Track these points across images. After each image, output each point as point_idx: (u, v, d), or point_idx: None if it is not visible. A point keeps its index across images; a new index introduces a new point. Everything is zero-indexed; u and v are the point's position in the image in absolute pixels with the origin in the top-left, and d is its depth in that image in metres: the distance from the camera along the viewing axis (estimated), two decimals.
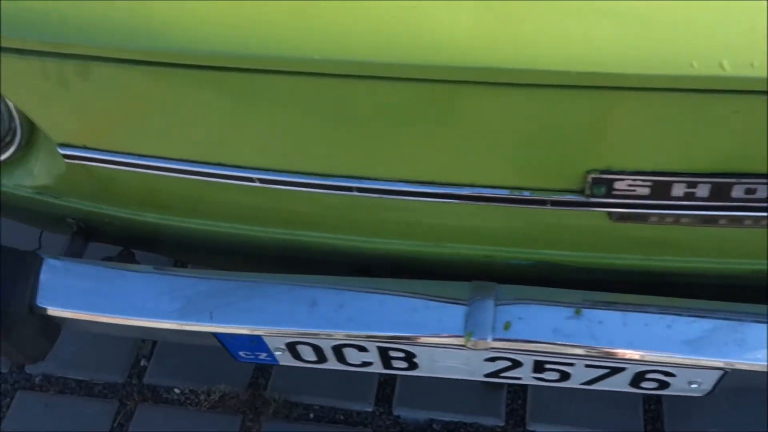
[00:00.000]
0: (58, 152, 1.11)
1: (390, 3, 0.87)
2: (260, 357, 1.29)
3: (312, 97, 0.95)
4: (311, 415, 1.79)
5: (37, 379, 1.90)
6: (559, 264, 1.15)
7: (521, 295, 1.12)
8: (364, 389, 1.83)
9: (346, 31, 0.88)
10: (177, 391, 1.84)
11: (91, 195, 1.23)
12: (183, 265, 1.76)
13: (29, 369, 1.91)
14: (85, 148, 1.09)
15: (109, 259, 1.42)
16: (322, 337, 1.17)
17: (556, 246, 1.13)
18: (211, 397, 1.81)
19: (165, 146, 1.06)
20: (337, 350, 1.21)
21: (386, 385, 1.84)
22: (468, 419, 1.76)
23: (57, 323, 1.27)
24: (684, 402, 1.72)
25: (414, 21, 0.86)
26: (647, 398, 1.76)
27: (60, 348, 1.88)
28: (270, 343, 1.21)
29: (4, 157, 1.23)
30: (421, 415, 1.78)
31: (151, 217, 1.23)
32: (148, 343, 1.93)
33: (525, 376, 1.22)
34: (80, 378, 1.89)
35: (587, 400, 1.75)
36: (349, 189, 1.03)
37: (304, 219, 1.15)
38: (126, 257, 1.45)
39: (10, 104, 1.13)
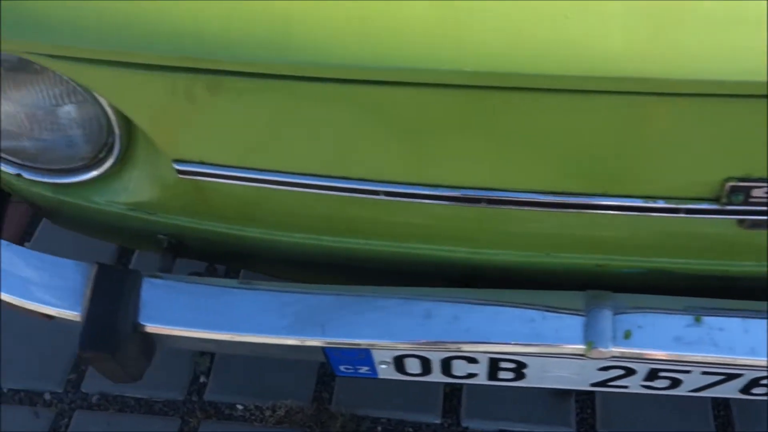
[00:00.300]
0: (173, 167, 1.09)
1: (540, 14, 0.87)
2: (361, 371, 1.28)
3: (450, 109, 0.94)
4: (379, 429, 1.78)
5: (94, 398, 1.87)
6: (671, 271, 1.15)
7: (638, 303, 1.11)
8: (430, 401, 1.82)
9: (497, 43, 0.87)
10: (240, 407, 1.82)
11: (192, 211, 1.21)
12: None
13: (85, 388, 1.89)
14: (201, 163, 1.07)
15: (196, 274, 1.40)
16: (435, 349, 1.15)
17: (671, 254, 1.13)
18: (277, 413, 1.79)
19: (288, 160, 1.04)
20: (446, 362, 1.20)
21: (452, 396, 1.83)
22: (538, 429, 1.75)
23: (154, 341, 1.25)
24: (754, 406, 1.73)
25: (566, 32, 0.86)
26: (717, 403, 1.76)
27: None
28: (377, 356, 1.20)
29: (97, 172, 1.21)
30: (491, 426, 1.77)
31: (253, 232, 1.22)
32: (205, 359, 1.91)
33: (633, 384, 1.22)
34: (138, 396, 1.86)
35: (656, 406, 1.75)
36: (479, 200, 1.02)
37: (420, 231, 1.14)
38: (212, 273, 1.43)
39: (112, 119, 1.12)
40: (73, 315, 1.20)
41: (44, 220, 2.11)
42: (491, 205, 1.02)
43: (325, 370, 1.87)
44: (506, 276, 1.21)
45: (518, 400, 1.78)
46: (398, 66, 0.89)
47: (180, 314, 1.17)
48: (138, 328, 1.18)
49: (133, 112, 1.04)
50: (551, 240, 1.14)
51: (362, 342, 1.14)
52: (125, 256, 2.09)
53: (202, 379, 1.88)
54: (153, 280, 1.20)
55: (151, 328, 1.18)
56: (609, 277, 1.18)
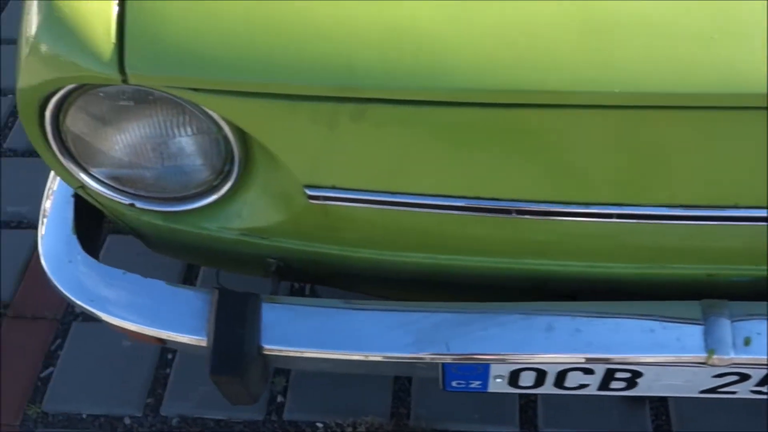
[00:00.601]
0: (303, 193, 1.12)
1: (686, 36, 0.91)
2: (471, 385, 1.30)
3: (591, 129, 0.98)
4: None
5: (173, 421, 1.89)
6: None
7: (754, 310, 1.15)
8: (507, 413, 1.84)
9: (645, 64, 0.91)
10: (320, 425, 1.85)
11: (309, 234, 1.24)
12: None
13: (164, 411, 1.91)
14: (334, 188, 1.11)
15: (300, 294, 1.44)
16: (555, 362, 1.19)
17: None
18: (357, 430, 1.82)
19: (421, 182, 1.08)
20: (561, 375, 1.23)
21: (527, 407, 1.86)
22: None
23: (270, 363, 1.28)
24: None
25: (714, 52, 0.90)
26: None
27: (191, 388, 1.89)
28: (494, 371, 1.23)
29: (212, 199, 1.23)
30: None
31: (368, 253, 1.24)
32: (281, 378, 1.93)
33: (743, 390, 1.25)
34: (218, 417, 1.88)
35: (728, 409, 1.78)
36: (610, 216, 1.06)
37: (539, 247, 1.17)
38: (315, 293, 1.46)
39: (234, 146, 1.14)
40: (196, 340, 1.22)
41: (109, 238, 2.14)
42: (623, 220, 1.06)
43: (401, 385, 1.89)
44: (617, 288, 1.24)
45: (594, 409, 1.82)
46: (547, 89, 0.92)
47: (305, 336, 1.20)
48: (261, 351, 1.21)
49: (269, 140, 1.07)
50: (665, 252, 1.17)
51: (486, 357, 1.17)
52: (190, 275, 2.12)
53: (279, 398, 1.90)
54: (272, 303, 1.23)
55: (276, 350, 1.21)
56: (716, 286, 1.22)
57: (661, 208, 1.04)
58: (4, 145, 2.52)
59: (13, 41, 2.69)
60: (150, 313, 1.24)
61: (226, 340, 1.18)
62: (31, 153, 2.48)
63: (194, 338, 1.22)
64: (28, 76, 1.08)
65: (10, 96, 2.67)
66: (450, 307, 1.19)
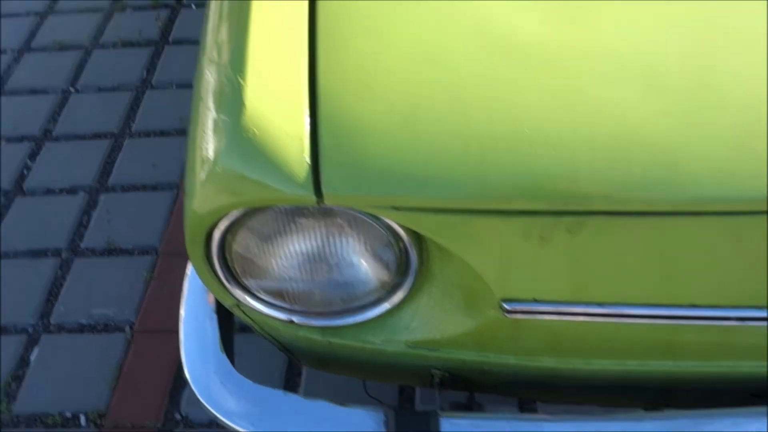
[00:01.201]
0: (499, 306, 1.06)
1: None
2: None
3: None
4: None
5: None
6: None
7: None
8: None
9: None
10: None
11: (485, 345, 1.17)
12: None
13: None
14: (534, 301, 1.05)
15: (461, 407, 1.37)
16: None
17: None
18: None
19: (634, 292, 1.02)
20: None
21: None
22: None
23: None
24: None
25: None
26: None
27: None
28: None
29: (380, 311, 1.17)
30: None
31: (548, 362, 1.18)
32: None
33: None
34: None
35: None
36: None
37: (740, 351, 1.11)
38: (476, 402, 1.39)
39: (412, 259, 1.09)
40: None
41: None
42: None
43: None
44: None
45: None
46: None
47: None
48: None
49: (469, 255, 1.02)
50: None
51: None
52: (291, 374, 2.05)
53: None
54: (451, 419, 1.16)
55: None
56: None
57: None
58: (82, 245, 2.46)
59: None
60: None
61: None
62: (110, 252, 2.43)
63: None
64: (206, 199, 1.03)
65: (81, 194, 2.63)
66: (649, 416, 1.13)
